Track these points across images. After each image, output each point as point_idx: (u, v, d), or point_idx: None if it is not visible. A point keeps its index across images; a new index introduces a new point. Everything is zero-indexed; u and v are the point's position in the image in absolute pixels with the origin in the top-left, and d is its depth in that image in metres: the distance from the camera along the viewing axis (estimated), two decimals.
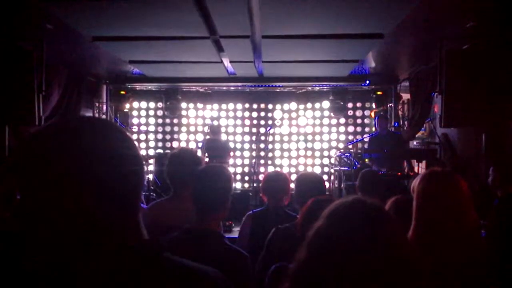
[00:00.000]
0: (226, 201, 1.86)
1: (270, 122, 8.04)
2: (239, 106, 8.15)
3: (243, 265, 1.75)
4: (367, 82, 7.14)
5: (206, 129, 7.80)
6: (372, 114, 7.80)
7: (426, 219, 1.49)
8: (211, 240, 1.75)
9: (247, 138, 8.17)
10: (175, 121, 8.18)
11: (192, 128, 8.23)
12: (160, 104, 8.04)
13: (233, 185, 6.51)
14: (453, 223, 1.44)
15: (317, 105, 8.01)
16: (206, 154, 6.93)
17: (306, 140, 8.08)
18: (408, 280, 0.83)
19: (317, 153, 8.08)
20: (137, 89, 7.80)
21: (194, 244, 1.71)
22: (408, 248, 0.88)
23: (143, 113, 8.20)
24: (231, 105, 8.15)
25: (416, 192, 1.55)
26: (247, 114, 8.18)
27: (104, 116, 7.15)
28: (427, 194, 1.51)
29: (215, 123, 7.89)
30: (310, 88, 7.76)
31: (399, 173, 5.39)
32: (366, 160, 6.27)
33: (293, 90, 7.87)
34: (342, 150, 7.28)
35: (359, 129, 8.02)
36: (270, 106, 8.12)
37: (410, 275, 0.84)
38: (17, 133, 4.86)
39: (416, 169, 5.75)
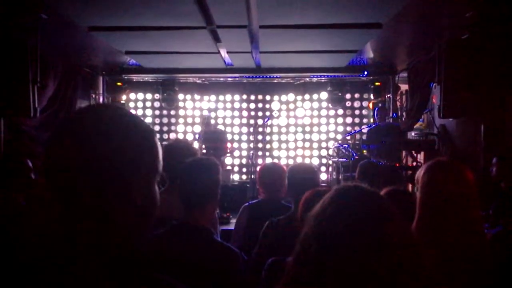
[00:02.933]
0: (214, 195, 1.80)
1: (267, 113, 7.99)
2: (237, 97, 8.11)
3: (233, 262, 1.70)
4: (365, 73, 7.09)
5: (202, 119, 7.77)
6: (370, 105, 7.78)
7: (431, 209, 1.46)
8: (199, 237, 1.70)
9: (244, 129, 8.15)
10: (172, 112, 8.13)
11: (189, 120, 8.20)
12: (157, 96, 7.98)
13: (231, 177, 6.44)
14: (459, 214, 1.42)
15: (315, 96, 7.97)
16: (203, 146, 6.91)
17: (304, 131, 8.06)
18: (411, 269, 0.82)
19: (315, 145, 8.07)
20: (134, 80, 7.74)
21: (181, 241, 1.67)
22: (411, 238, 0.87)
23: (140, 104, 8.15)
24: (228, 97, 8.11)
25: (421, 182, 1.52)
26: (244, 105, 8.14)
27: None
28: (432, 184, 1.48)
29: (213, 114, 7.87)
30: (308, 79, 7.71)
31: (397, 164, 5.39)
32: (364, 151, 6.26)
33: (291, 81, 7.83)
34: (340, 141, 7.28)
35: (357, 120, 7.99)
36: (267, 97, 8.08)
37: (413, 265, 0.82)
38: (12, 125, 4.83)
39: (415, 161, 5.75)
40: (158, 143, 0.86)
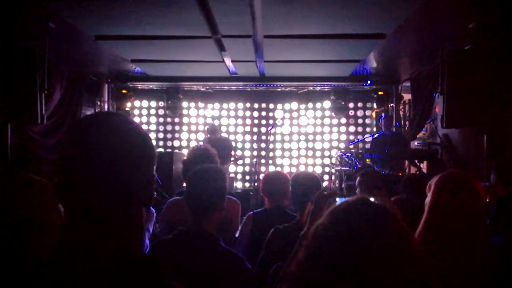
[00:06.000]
0: (221, 202, 1.82)
1: (271, 121, 8.03)
2: (240, 105, 8.15)
3: (239, 268, 1.72)
4: (369, 82, 7.14)
5: (206, 128, 7.81)
6: (373, 114, 7.80)
7: (439, 220, 1.48)
8: (206, 243, 1.72)
9: (248, 137, 8.18)
10: (176, 120, 8.18)
11: (193, 128, 8.24)
12: (161, 103, 8.04)
13: (234, 184, 6.41)
14: (466, 225, 1.44)
15: (318, 105, 8.01)
16: None
17: (307, 140, 8.08)
18: (413, 283, 0.79)
19: (318, 153, 8.08)
20: (139, 88, 7.80)
21: (188, 247, 1.69)
22: (415, 251, 0.83)
23: (144, 112, 8.21)
24: (232, 105, 8.16)
25: (432, 191, 1.55)
26: (248, 113, 8.18)
27: None
28: (445, 192, 1.51)
29: (216, 122, 7.91)
30: (311, 88, 7.75)
31: (400, 173, 5.39)
32: (367, 160, 6.27)
33: (294, 89, 7.87)
34: (343, 150, 7.28)
35: (360, 129, 8.01)
36: (271, 106, 8.12)
37: (415, 278, 0.80)
38: (19, 132, 4.87)
39: (418, 170, 5.74)
40: (155, 148, 0.90)
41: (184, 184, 2.49)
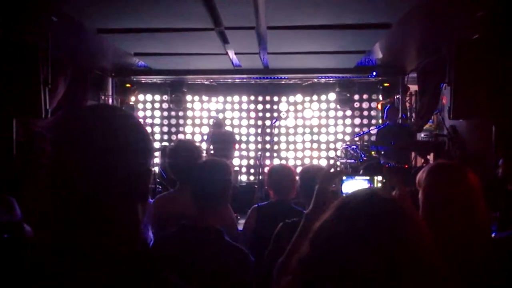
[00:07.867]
0: (226, 196, 1.81)
1: (275, 114, 8.01)
2: (245, 98, 8.12)
3: (243, 262, 1.70)
4: (374, 73, 7.05)
5: (211, 121, 7.80)
6: (379, 106, 7.74)
7: (434, 211, 1.45)
8: (210, 237, 1.71)
9: (252, 130, 8.16)
10: (181, 113, 8.18)
11: (197, 121, 8.23)
12: (165, 97, 8.03)
13: (239, 177, 6.45)
14: (461, 215, 1.40)
15: (323, 97, 7.96)
16: (212, 147, 6.93)
17: (312, 132, 8.05)
18: (423, 284, 0.75)
19: (323, 146, 8.05)
20: (143, 82, 7.80)
21: (192, 241, 1.68)
22: (428, 249, 0.79)
23: (148, 106, 8.21)
24: (236, 98, 8.13)
25: (422, 187, 1.50)
26: (252, 106, 8.15)
27: None
28: (434, 186, 1.47)
29: (221, 116, 7.91)
30: (316, 80, 7.70)
31: (406, 165, 5.35)
32: (373, 152, 6.22)
33: (299, 82, 7.82)
34: (348, 143, 7.24)
35: (365, 121, 7.96)
36: (275, 98, 8.09)
37: (426, 278, 0.76)
38: (24, 126, 4.88)
39: (425, 162, 5.69)
40: (153, 143, 0.89)
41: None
